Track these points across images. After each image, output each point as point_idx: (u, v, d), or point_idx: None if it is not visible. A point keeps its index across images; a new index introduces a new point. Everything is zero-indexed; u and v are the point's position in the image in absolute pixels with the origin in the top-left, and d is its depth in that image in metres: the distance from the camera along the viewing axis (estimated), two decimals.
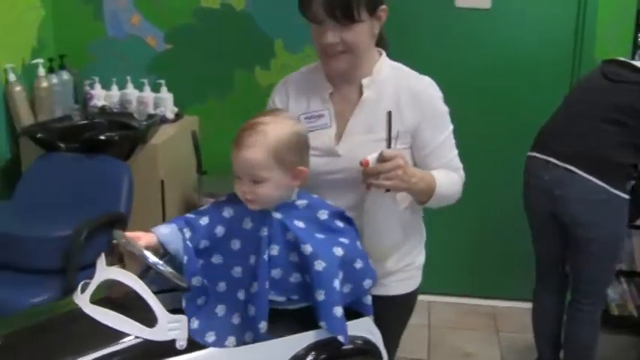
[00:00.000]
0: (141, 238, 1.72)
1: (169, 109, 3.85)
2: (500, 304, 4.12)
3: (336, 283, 1.70)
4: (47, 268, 2.82)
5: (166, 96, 3.86)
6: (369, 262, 1.84)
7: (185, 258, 1.71)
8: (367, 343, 1.89)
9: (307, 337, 1.78)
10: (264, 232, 1.73)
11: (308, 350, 1.78)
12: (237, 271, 1.76)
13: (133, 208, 3.26)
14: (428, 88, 2.03)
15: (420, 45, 3.89)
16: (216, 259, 1.77)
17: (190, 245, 1.73)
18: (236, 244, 1.77)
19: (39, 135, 3.38)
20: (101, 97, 3.86)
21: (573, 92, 3.13)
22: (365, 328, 1.88)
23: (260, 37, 3.93)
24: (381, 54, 2.06)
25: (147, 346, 1.58)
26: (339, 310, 1.71)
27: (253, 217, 1.77)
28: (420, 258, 2.20)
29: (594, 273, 2.93)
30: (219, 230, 1.79)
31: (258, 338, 1.70)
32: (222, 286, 1.76)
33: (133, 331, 1.58)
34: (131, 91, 3.86)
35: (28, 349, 1.56)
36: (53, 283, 2.75)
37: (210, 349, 1.64)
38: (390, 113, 1.85)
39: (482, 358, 3.61)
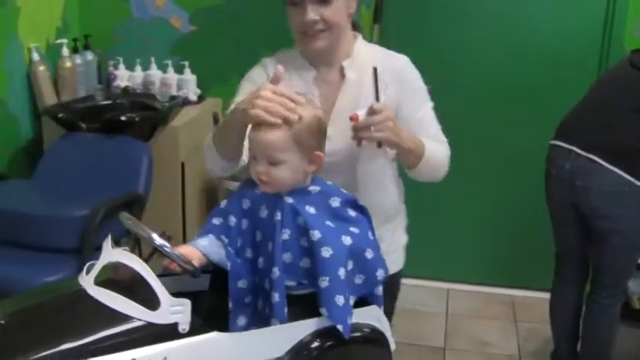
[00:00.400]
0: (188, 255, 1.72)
1: (192, 91, 3.85)
2: (520, 293, 4.09)
3: (342, 272, 1.69)
4: (64, 247, 2.85)
5: (189, 77, 3.87)
6: (380, 253, 1.82)
7: (229, 264, 1.73)
8: (374, 331, 1.88)
9: (314, 324, 1.77)
10: (278, 216, 1.73)
11: (314, 337, 1.77)
12: (261, 262, 1.76)
13: (154, 189, 3.28)
14: (406, 66, 2.08)
15: (441, 31, 3.86)
16: (249, 253, 1.79)
17: (232, 251, 1.75)
18: (258, 236, 1.78)
19: (60, 115, 3.40)
20: (124, 77, 3.88)
21: (600, 81, 3.07)
22: (373, 316, 1.86)
23: (284, 20, 3.88)
24: (356, 37, 2.09)
25: (149, 328, 1.58)
26: (340, 299, 1.69)
27: (268, 203, 1.77)
28: (403, 238, 2.25)
29: (615, 265, 2.89)
30: (244, 223, 1.80)
31: (283, 322, 1.71)
32: (257, 279, 1.77)
33: (136, 314, 1.58)
34: (155, 72, 3.87)
35: (30, 329, 1.56)
36: (69, 263, 2.76)
37: (214, 334, 1.64)
38: (375, 69, 1.88)
39: (500, 348, 3.59)
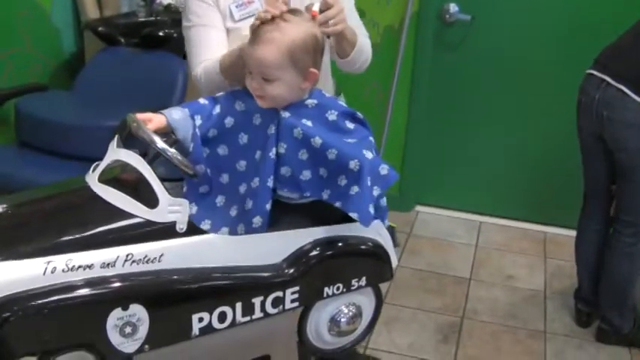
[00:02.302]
0: (152, 120, 1.75)
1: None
2: (553, 230, 4.04)
3: (352, 164, 1.69)
4: (95, 156, 2.89)
5: None
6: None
7: (192, 145, 1.73)
8: (377, 246, 1.91)
9: (314, 233, 1.81)
10: (272, 129, 1.74)
11: (314, 245, 1.81)
12: (242, 164, 1.78)
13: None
14: None
15: None
16: (222, 150, 1.79)
17: (199, 133, 1.75)
18: (243, 138, 1.79)
19: (100, 29, 3.46)
20: None
21: None
22: (374, 231, 1.89)
23: None
24: None
25: (148, 226, 1.63)
26: (355, 189, 1.69)
27: (263, 113, 1.78)
28: None
29: (635, 203, 2.83)
30: (229, 121, 1.80)
31: (250, 232, 1.73)
32: (225, 177, 1.79)
33: (135, 211, 1.63)
34: None
35: (33, 220, 1.64)
36: None
37: (211, 235, 1.68)
38: None
39: (525, 282, 3.58)
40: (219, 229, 1.72)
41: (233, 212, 1.75)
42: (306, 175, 1.74)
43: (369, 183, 1.69)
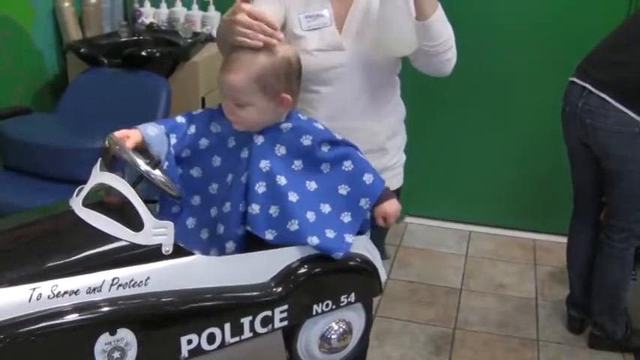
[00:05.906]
0: (129, 137, 1.74)
1: (216, 28, 3.85)
2: (543, 237, 4.07)
3: (310, 215, 1.72)
4: (81, 178, 2.88)
5: (214, 14, 3.87)
6: (373, 172, 1.81)
7: (166, 164, 1.73)
8: (365, 262, 1.89)
9: (302, 250, 1.79)
10: (245, 153, 1.73)
11: (302, 263, 1.79)
12: (214, 187, 1.78)
13: None
14: None
15: None
16: (196, 172, 1.79)
17: (173, 152, 1.75)
18: (217, 161, 1.78)
19: (82, 50, 3.45)
20: (149, 14, 3.89)
21: (625, 21, 2.99)
22: (362, 246, 1.88)
23: None
24: None
25: (133, 249, 1.62)
26: (314, 240, 1.72)
27: (237, 137, 1.77)
28: (404, 157, 2.31)
29: (624, 208, 2.84)
30: (203, 142, 1.79)
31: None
32: (196, 199, 1.79)
33: (120, 234, 1.61)
34: (179, 9, 3.88)
35: (16, 247, 1.62)
36: None
37: (197, 256, 1.66)
38: None
39: (517, 291, 3.58)
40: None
41: (204, 235, 1.76)
42: (255, 208, 1.72)
43: (329, 235, 1.73)
